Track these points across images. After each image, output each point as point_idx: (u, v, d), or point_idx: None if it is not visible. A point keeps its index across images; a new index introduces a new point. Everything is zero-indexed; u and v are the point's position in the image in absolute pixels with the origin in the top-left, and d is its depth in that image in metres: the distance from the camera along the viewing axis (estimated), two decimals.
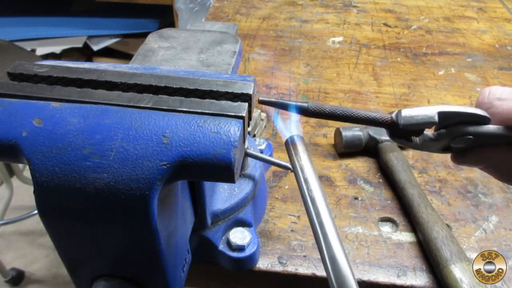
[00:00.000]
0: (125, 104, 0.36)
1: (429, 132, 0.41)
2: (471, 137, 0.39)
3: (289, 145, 0.41)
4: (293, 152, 0.40)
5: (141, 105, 0.36)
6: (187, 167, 0.33)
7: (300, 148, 0.40)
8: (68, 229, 0.36)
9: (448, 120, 0.39)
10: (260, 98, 0.38)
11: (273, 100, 0.38)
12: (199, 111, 0.36)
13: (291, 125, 0.43)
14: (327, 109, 0.39)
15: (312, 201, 0.36)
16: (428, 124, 0.39)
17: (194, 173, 0.34)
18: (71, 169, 0.32)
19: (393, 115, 0.39)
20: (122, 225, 0.34)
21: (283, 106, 0.39)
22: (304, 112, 0.38)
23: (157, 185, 0.32)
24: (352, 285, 0.31)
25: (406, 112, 0.39)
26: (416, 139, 0.40)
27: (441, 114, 0.39)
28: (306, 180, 0.38)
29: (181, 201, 0.42)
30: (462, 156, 0.42)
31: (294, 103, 0.38)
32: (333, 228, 0.34)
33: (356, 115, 0.39)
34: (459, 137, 0.39)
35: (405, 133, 0.39)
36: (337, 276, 0.32)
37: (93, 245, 0.37)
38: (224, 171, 0.33)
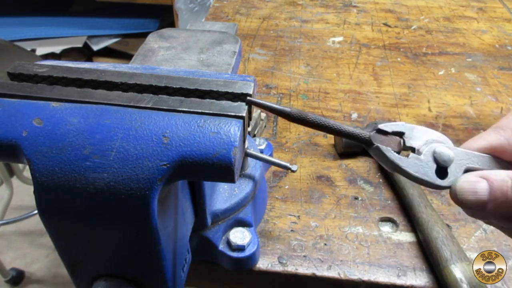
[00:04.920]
0: (125, 104, 0.36)
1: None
2: None
3: None
4: None
5: (141, 105, 0.36)
6: (187, 167, 0.33)
7: None
8: (68, 229, 0.36)
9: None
10: (248, 98, 0.39)
11: (260, 101, 0.39)
12: (199, 111, 0.36)
13: None
14: (309, 117, 0.40)
15: None
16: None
17: (194, 173, 0.34)
18: (71, 169, 0.32)
19: (371, 134, 0.40)
20: (122, 225, 0.34)
21: (268, 108, 0.39)
22: (286, 116, 0.39)
23: (157, 185, 0.32)
24: None
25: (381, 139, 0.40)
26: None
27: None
28: None
29: (181, 201, 0.42)
30: None
31: (278, 106, 0.39)
32: None
33: (336, 128, 0.40)
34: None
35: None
36: None
37: (93, 245, 0.37)
38: (224, 171, 0.33)
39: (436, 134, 0.41)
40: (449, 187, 0.40)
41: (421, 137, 0.41)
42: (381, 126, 0.41)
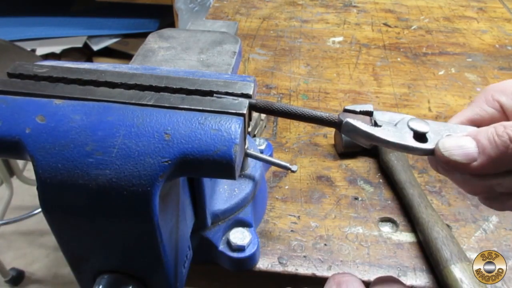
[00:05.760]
0: (127, 101, 0.36)
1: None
2: None
3: None
4: None
5: (143, 102, 0.36)
6: (188, 163, 0.33)
7: None
8: (71, 225, 0.36)
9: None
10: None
11: None
12: (200, 108, 0.36)
13: None
14: (275, 106, 0.40)
15: None
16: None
17: (195, 170, 0.34)
18: (74, 165, 0.32)
19: (340, 114, 0.40)
20: (124, 221, 0.34)
21: None
22: (253, 108, 0.39)
23: (159, 182, 0.32)
24: None
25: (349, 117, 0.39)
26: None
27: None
28: None
29: (181, 198, 0.42)
30: None
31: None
32: None
33: (304, 113, 0.40)
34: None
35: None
36: None
37: (95, 241, 0.37)
38: (225, 167, 0.33)
39: (407, 115, 0.40)
40: (431, 150, 0.38)
41: (392, 116, 0.40)
42: (348, 107, 0.40)
